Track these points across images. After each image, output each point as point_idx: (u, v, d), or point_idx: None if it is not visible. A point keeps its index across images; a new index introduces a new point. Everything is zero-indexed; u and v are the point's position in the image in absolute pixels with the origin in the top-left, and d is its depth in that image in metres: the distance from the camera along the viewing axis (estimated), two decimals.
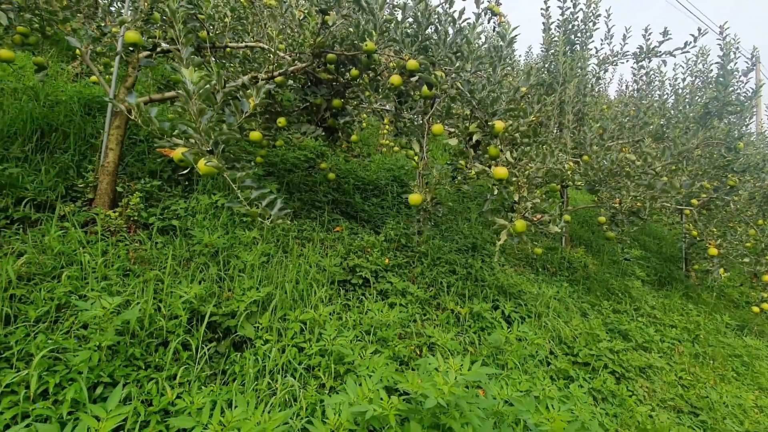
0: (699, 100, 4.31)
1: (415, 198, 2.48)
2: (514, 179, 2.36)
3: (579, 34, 5.13)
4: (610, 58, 4.89)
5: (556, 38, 5.11)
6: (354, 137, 2.99)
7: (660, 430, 2.50)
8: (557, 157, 2.85)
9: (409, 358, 2.35)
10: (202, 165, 1.63)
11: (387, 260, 3.22)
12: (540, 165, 2.35)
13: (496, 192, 2.32)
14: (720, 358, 3.72)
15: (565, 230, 5.27)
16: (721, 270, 4.52)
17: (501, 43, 2.49)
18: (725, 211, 4.99)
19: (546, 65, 5.14)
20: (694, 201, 5.13)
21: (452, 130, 2.57)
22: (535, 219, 2.39)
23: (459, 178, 3.15)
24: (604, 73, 4.98)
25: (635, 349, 3.31)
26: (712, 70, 5.76)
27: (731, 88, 5.31)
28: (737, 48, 5.59)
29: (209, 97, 1.78)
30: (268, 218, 1.62)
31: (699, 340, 3.85)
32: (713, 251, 4.10)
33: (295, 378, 1.99)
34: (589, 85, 4.94)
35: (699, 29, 4.18)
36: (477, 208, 5.17)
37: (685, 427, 2.69)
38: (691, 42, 4.24)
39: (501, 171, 2.30)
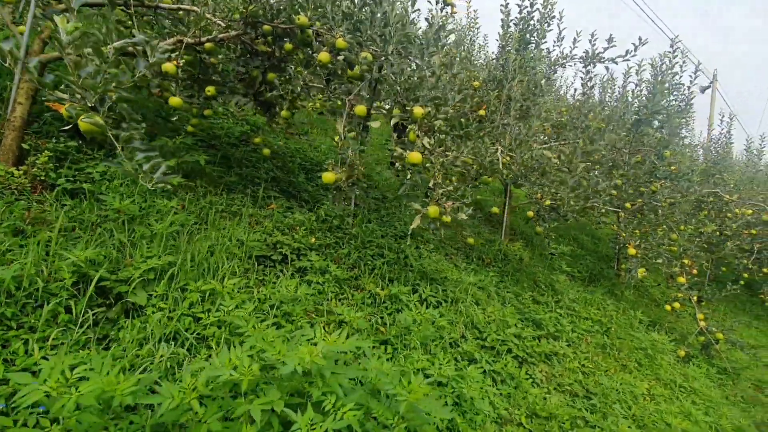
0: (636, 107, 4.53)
1: (328, 176, 2.49)
2: (428, 165, 2.41)
3: (535, 34, 5.23)
4: (559, 60, 5.02)
5: (513, 35, 5.19)
6: (284, 113, 2.95)
7: (549, 410, 2.68)
8: (488, 150, 2.92)
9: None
10: (81, 122, 1.57)
11: (313, 239, 3.24)
12: (456, 154, 2.41)
13: (409, 176, 2.37)
14: (626, 349, 3.99)
15: (506, 223, 5.45)
16: (642, 269, 4.82)
17: (426, 30, 2.51)
18: (654, 215, 5.30)
19: (501, 61, 5.23)
20: (628, 204, 5.42)
21: (374, 112, 2.59)
22: (446, 206, 2.46)
23: (397, 164, 3.19)
24: (554, 74, 5.12)
25: (546, 337, 3.50)
26: (665, 84, 6.03)
27: (674, 101, 5.58)
28: (684, 62, 5.87)
29: (98, 52, 1.71)
30: (149, 181, 1.59)
31: (610, 333, 4.11)
32: (632, 251, 4.36)
33: (184, 347, 1.99)
34: (539, 85, 5.06)
35: (640, 38, 4.35)
36: (422, 196, 5.26)
37: (575, 409, 2.88)
38: (632, 50, 4.42)
39: (415, 156, 2.34)
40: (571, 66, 4.91)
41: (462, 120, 2.55)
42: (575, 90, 7.58)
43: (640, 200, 5.29)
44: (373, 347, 2.61)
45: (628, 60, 4.46)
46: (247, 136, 3.77)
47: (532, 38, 5.14)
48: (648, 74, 5.75)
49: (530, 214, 3.77)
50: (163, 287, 2.14)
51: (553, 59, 5.06)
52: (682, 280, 4.74)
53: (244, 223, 3.18)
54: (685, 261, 4.82)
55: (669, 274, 4.80)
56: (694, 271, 5.11)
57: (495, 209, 3.84)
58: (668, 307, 4.72)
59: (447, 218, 3.60)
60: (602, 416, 2.93)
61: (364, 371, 1.70)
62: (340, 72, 2.59)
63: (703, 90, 17.02)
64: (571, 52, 4.92)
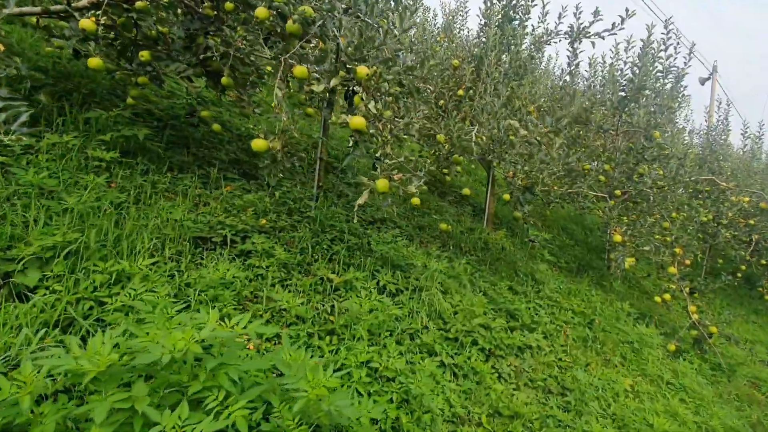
0: (620, 84, 4.22)
1: (258, 144, 2.21)
2: (372, 131, 2.13)
3: (519, 10, 4.94)
4: (544, 37, 4.73)
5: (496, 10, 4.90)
6: (224, 80, 2.67)
7: (514, 408, 2.41)
8: (456, 125, 2.65)
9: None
10: None
11: (264, 221, 2.97)
12: (408, 120, 2.13)
13: (351, 143, 2.10)
14: (610, 343, 3.71)
15: (489, 210, 5.17)
16: (631, 259, 4.53)
17: None
18: (646, 202, 5.03)
19: (482, 39, 4.93)
20: (618, 192, 5.13)
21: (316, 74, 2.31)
22: (396, 178, 2.19)
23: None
24: (537, 52, 4.82)
25: (520, 328, 3.23)
26: (654, 62, 5.71)
27: (668, 83, 5.28)
28: (678, 43, 5.57)
29: None
30: (6, 133, 1.32)
31: (593, 325, 3.83)
32: (618, 238, 4.07)
33: (79, 335, 1.72)
34: (523, 64, 4.78)
35: (627, 9, 4.06)
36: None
37: (546, 407, 2.61)
38: (618, 23, 4.12)
39: (357, 120, 2.07)
40: (556, 42, 4.61)
41: (419, 86, 2.27)
42: (562, 70, 7.23)
43: (631, 187, 5.00)
44: (319, 337, 2.35)
45: (615, 34, 4.16)
46: (193, 110, 3.48)
47: (516, 14, 4.84)
48: (639, 51, 5.42)
49: (506, 197, 3.49)
50: (61, 267, 1.87)
51: (537, 36, 4.76)
52: (672, 270, 4.46)
53: (188, 203, 2.91)
54: (677, 250, 4.53)
55: (659, 263, 4.52)
56: (687, 262, 4.83)
57: (466, 190, 3.55)
58: (658, 299, 4.44)
59: (416, 200, 3.32)
60: (576, 415, 2.66)
61: (286, 364, 1.42)
62: (279, 30, 2.31)
63: (703, 82, 16.66)
64: (555, 27, 4.63)
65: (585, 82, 4.84)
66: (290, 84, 2.49)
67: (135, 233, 2.34)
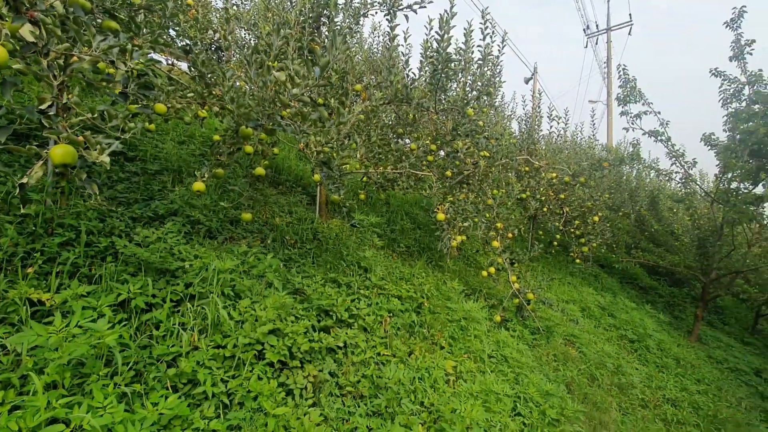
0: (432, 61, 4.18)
1: None
2: (20, 66, 1.36)
3: None
4: (360, 10, 4.42)
5: None
6: None
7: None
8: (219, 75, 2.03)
9: None
10: None
11: None
12: (84, 53, 1.40)
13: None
14: (438, 325, 3.56)
15: (320, 197, 4.70)
16: (460, 236, 4.54)
17: None
18: (470, 180, 5.16)
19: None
20: (449, 173, 5.16)
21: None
22: (82, 138, 1.45)
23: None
24: (356, 25, 4.51)
25: (333, 327, 2.78)
26: (472, 51, 5.97)
27: (482, 64, 5.52)
28: (493, 31, 5.90)
29: None
30: None
31: (422, 310, 3.64)
32: (440, 216, 3.99)
33: None
34: (341, 37, 4.41)
35: None
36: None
37: (354, 417, 2.19)
38: None
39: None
40: (373, 15, 4.35)
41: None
42: (383, 46, 7.03)
43: (456, 167, 5.07)
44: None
45: (424, 7, 4.06)
46: None
47: None
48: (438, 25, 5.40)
49: (317, 177, 3.02)
50: None
51: (355, 9, 4.44)
52: (495, 244, 4.62)
53: None
54: (498, 225, 4.71)
55: (485, 239, 4.64)
56: (510, 235, 5.10)
57: (259, 170, 2.96)
58: (485, 273, 4.55)
59: (260, 171, 2.56)
60: (388, 418, 2.30)
61: None
62: None
63: (527, 81, 19.39)
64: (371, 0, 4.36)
65: (404, 58, 4.73)
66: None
67: None
